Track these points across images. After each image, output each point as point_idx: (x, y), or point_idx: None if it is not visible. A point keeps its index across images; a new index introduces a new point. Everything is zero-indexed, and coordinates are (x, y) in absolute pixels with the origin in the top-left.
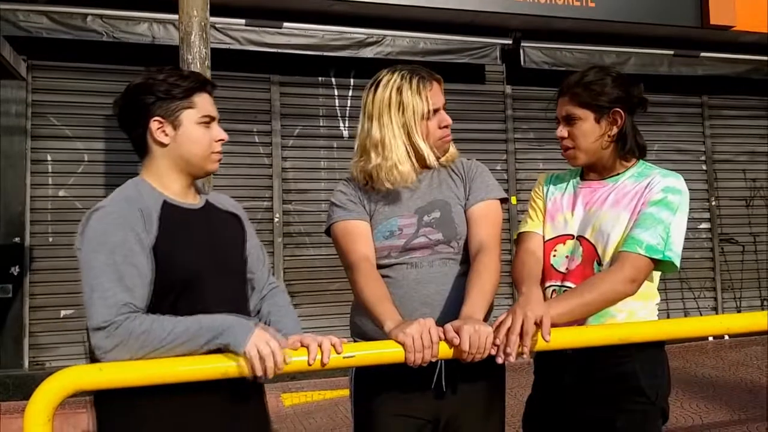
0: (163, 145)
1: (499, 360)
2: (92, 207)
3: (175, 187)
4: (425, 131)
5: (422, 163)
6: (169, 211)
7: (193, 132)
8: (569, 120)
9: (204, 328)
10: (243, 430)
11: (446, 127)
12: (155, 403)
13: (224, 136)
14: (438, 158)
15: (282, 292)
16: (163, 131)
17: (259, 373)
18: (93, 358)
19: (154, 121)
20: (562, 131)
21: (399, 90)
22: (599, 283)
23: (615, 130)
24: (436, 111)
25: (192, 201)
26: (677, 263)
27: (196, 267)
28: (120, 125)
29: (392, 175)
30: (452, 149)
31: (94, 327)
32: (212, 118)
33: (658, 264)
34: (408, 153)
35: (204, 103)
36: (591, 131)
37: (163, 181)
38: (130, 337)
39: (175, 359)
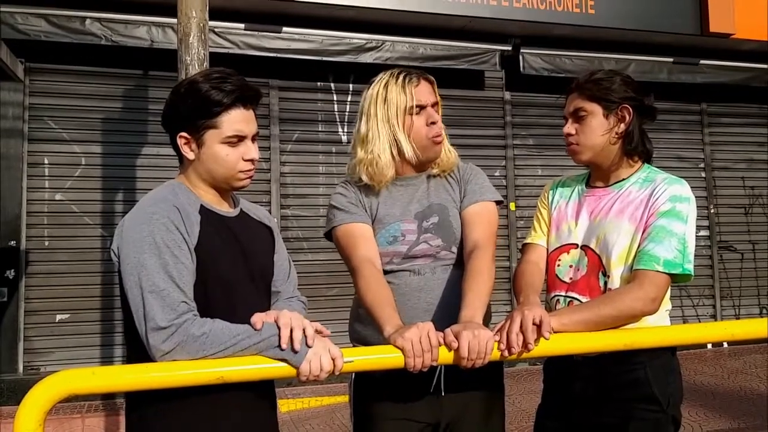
0: (189, 159)
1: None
2: (130, 210)
3: (207, 196)
4: (409, 127)
5: (403, 159)
6: (208, 215)
7: (217, 152)
8: (578, 116)
9: (259, 334)
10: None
11: (434, 123)
12: (185, 408)
13: (253, 155)
14: (424, 158)
15: (300, 302)
16: (189, 146)
17: (306, 378)
18: (131, 358)
19: (180, 136)
20: (569, 128)
21: (386, 86)
22: (617, 298)
23: (623, 127)
24: (422, 108)
25: (227, 209)
26: (693, 273)
27: (233, 272)
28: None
29: (371, 169)
30: (450, 158)
31: (154, 328)
32: (241, 137)
33: (674, 276)
34: (390, 148)
35: (234, 121)
36: (599, 126)
37: (197, 190)
38: (189, 340)
39: (174, 363)
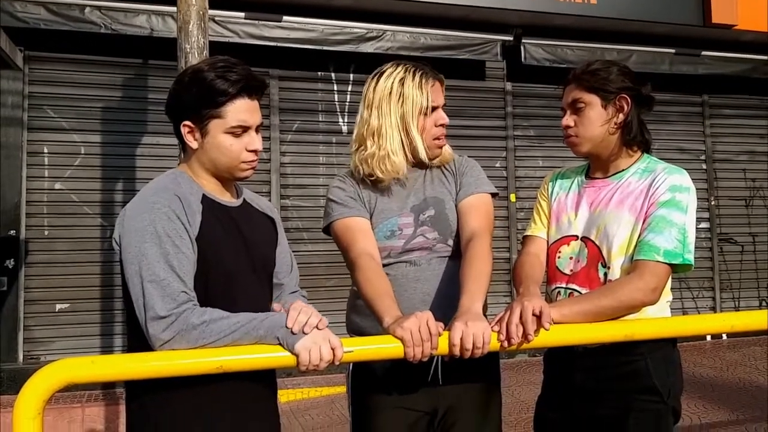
0: (193, 148)
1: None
2: (132, 198)
3: (210, 185)
4: (422, 126)
5: (415, 158)
6: (210, 205)
7: (221, 142)
8: (576, 107)
9: (258, 321)
10: (263, 423)
11: (442, 126)
12: (186, 397)
13: (257, 146)
14: (430, 158)
15: (302, 297)
16: (192, 136)
17: (305, 368)
18: (132, 347)
19: (184, 125)
20: (568, 120)
21: (401, 81)
22: (617, 289)
23: (621, 117)
24: (434, 108)
25: (230, 199)
26: (693, 263)
27: (234, 263)
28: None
29: (384, 165)
30: (447, 151)
31: (154, 317)
32: (245, 128)
33: (674, 266)
34: (403, 144)
35: (238, 111)
36: (597, 117)
37: (199, 179)
38: (189, 328)
39: (174, 352)
